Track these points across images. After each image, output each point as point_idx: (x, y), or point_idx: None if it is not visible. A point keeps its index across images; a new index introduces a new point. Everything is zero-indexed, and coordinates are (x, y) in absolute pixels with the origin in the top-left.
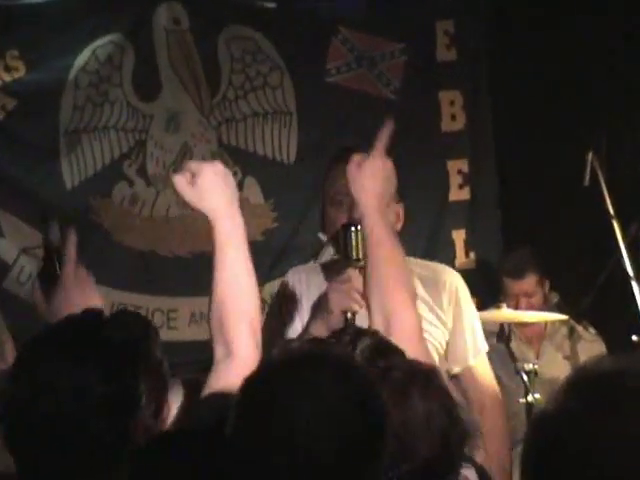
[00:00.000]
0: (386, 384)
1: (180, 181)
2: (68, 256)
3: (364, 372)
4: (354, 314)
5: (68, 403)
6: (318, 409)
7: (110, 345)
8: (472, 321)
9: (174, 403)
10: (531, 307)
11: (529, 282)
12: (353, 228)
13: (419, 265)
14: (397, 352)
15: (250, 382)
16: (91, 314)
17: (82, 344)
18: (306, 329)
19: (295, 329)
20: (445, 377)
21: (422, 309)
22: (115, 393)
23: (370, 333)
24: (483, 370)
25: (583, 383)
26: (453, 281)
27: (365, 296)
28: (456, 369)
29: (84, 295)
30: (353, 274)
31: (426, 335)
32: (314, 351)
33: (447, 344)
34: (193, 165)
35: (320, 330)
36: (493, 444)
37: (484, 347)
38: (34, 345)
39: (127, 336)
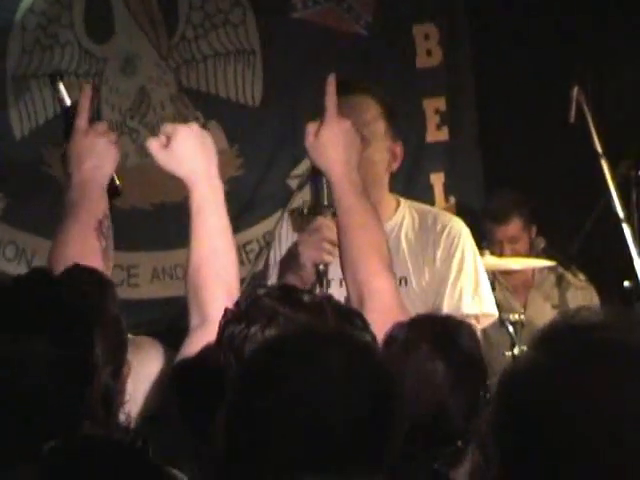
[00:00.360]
0: (393, 344)
1: (154, 145)
2: (80, 108)
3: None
4: (326, 265)
5: (18, 370)
6: (325, 381)
7: (61, 306)
8: (462, 281)
9: (154, 365)
10: (516, 254)
11: (514, 227)
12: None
13: (420, 211)
14: (357, 314)
15: (253, 357)
16: (39, 272)
17: (30, 306)
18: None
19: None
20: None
21: (407, 259)
22: (68, 358)
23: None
24: None
25: (554, 337)
26: (451, 232)
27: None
28: None
29: (100, 144)
30: (323, 223)
31: (404, 289)
32: (318, 328)
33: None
34: (168, 128)
35: (292, 282)
36: None
37: (470, 311)
38: None
39: (79, 295)
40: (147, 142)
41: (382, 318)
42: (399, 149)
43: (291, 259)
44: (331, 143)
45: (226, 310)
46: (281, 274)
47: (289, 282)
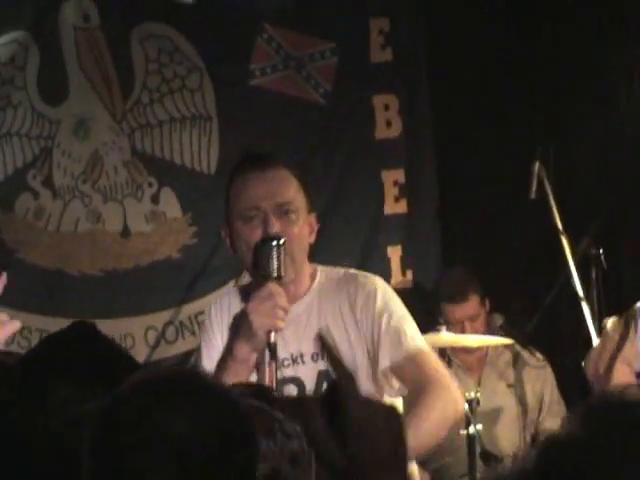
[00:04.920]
0: None
1: None
2: None
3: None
4: (277, 332)
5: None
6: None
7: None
8: (395, 326)
9: None
10: (476, 332)
11: (472, 304)
12: (274, 242)
13: (334, 277)
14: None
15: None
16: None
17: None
18: (230, 350)
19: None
20: None
21: (324, 333)
22: None
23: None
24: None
25: (597, 410)
26: (367, 288)
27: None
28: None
29: None
30: (274, 289)
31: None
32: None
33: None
34: None
35: (245, 350)
36: None
37: (419, 344)
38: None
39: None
40: None
41: None
42: (314, 220)
43: (240, 326)
44: None
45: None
46: (230, 341)
47: (239, 348)
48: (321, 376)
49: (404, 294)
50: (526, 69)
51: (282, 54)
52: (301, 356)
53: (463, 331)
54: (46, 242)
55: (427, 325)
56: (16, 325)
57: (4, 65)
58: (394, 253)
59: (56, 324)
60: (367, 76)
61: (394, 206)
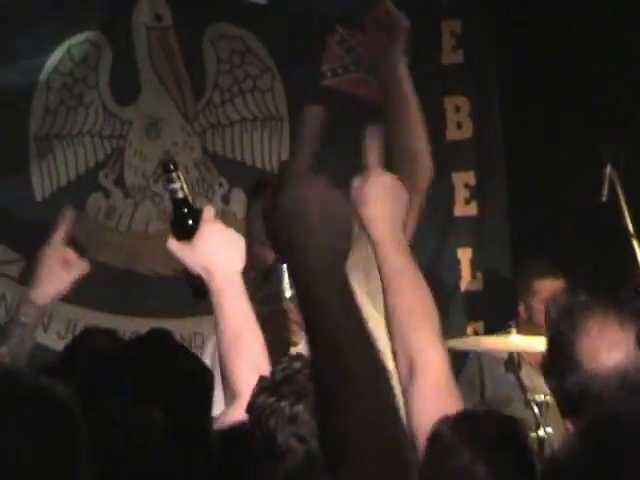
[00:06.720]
0: (437, 443)
1: (174, 244)
2: (59, 226)
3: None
4: (295, 346)
5: (135, 440)
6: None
7: (178, 372)
8: None
9: None
10: None
11: (563, 284)
12: (285, 266)
13: None
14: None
15: None
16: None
17: (148, 372)
18: None
19: None
20: None
21: None
22: (184, 425)
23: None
24: None
25: (596, 424)
26: None
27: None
28: None
29: (58, 267)
30: (289, 307)
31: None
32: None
33: None
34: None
35: None
36: None
37: None
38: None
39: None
40: (168, 243)
41: (434, 394)
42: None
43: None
44: (373, 199)
45: (261, 378)
46: None
47: None
48: None
49: (474, 296)
50: (598, 70)
51: (353, 55)
52: None
53: None
54: (117, 241)
55: (497, 326)
56: (84, 266)
57: (77, 65)
58: (464, 255)
59: (126, 323)
60: (438, 78)
61: (464, 208)
